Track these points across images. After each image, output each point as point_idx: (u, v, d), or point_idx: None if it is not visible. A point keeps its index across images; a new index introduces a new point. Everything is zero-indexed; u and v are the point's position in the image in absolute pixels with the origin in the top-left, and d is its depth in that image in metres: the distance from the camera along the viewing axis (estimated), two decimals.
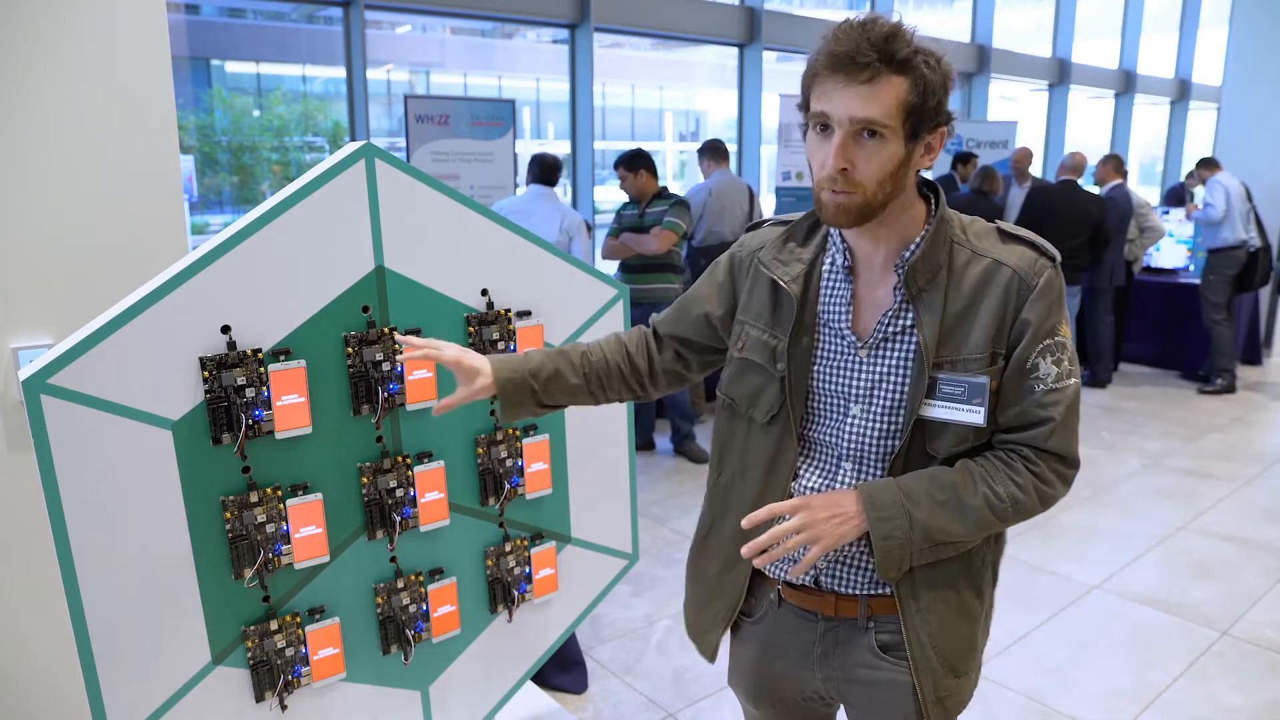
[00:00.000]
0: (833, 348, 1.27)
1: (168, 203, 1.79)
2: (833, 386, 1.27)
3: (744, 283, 1.36)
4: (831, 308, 1.27)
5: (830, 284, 1.28)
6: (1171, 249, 7.23)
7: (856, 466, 1.27)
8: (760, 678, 1.43)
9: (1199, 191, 7.22)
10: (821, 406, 1.29)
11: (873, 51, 1.09)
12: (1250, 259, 6.19)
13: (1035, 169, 7.34)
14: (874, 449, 1.25)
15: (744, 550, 1.19)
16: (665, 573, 3.55)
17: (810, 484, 1.30)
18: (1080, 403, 1.23)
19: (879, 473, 1.25)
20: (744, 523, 1.20)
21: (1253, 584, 3.46)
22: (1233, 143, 7.47)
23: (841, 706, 1.41)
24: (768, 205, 7.39)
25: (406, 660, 1.60)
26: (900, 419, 1.22)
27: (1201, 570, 3.59)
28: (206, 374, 1.31)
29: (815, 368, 1.28)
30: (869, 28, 1.10)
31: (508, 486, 1.66)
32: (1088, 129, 14.35)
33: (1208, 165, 6.45)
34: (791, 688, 1.40)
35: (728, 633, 1.45)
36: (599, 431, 1.81)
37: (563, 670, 2.72)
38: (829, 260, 1.28)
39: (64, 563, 1.23)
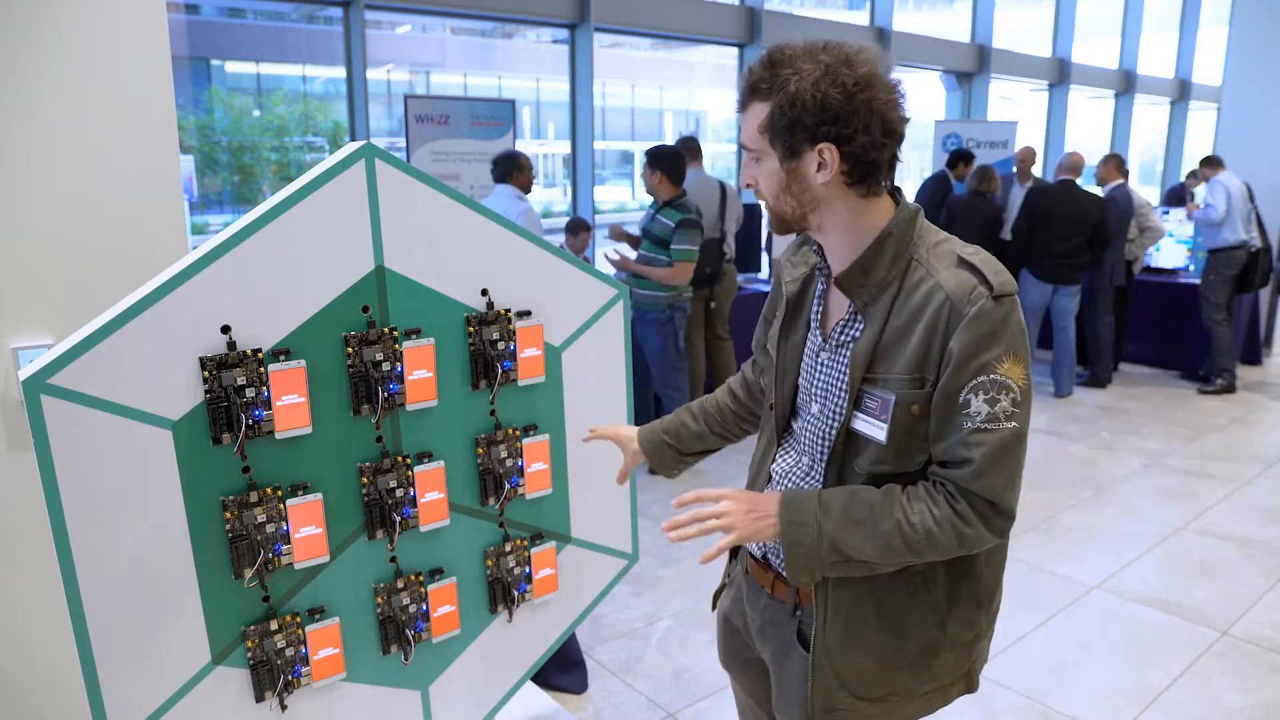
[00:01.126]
0: (813, 346, 1.34)
1: (168, 203, 1.79)
2: (806, 382, 1.35)
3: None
4: (815, 308, 1.35)
5: (820, 286, 1.35)
6: (1171, 249, 7.23)
7: (812, 462, 1.33)
8: (726, 640, 1.56)
9: (1199, 191, 7.21)
10: (801, 400, 1.37)
11: (745, 83, 1.23)
12: (1251, 259, 6.18)
13: (1035, 169, 7.33)
14: (819, 448, 1.31)
15: (663, 526, 1.26)
16: (665, 573, 3.55)
17: (780, 468, 1.39)
18: (1021, 450, 1.16)
19: (822, 471, 1.31)
20: (673, 502, 1.30)
21: (1253, 584, 3.46)
22: (1233, 143, 7.46)
23: None
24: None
25: (406, 660, 1.60)
26: (837, 424, 1.27)
27: (1201, 570, 3.59)
28: (206, 374, 1.31)
29: (803, 363, 1.36)
30: (755, 62, 1.23)
31: (508, 486, 1.66)
32: (1088, 129, 14.34)
33: (1211, 164, 6.44)
34: (749, 652, 1.51)
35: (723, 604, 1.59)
36: None
37: (563, 670, 2.72)
38: None
39: (64, 563, 1.23)
